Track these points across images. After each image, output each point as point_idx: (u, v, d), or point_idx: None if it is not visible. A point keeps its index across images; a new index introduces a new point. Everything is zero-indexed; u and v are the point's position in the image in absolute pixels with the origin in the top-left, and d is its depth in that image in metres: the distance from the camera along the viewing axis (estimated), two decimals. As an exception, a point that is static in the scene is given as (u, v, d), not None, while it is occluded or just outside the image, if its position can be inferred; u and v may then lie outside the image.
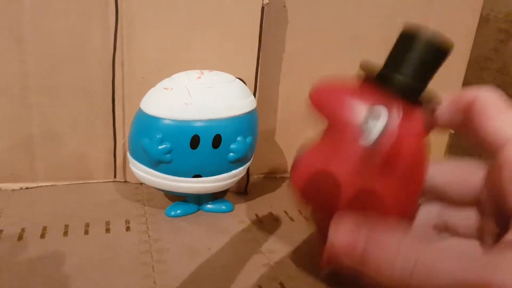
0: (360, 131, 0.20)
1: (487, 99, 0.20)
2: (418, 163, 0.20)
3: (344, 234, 0.19)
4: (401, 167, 0.20)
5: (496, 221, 0.21)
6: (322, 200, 0.22)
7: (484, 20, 0.43)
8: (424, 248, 0.17)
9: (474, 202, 0.22)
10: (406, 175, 0.20)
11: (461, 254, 0.17)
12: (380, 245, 0.18)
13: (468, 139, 0.22)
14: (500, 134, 0.19)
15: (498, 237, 0.18)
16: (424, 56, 0.20)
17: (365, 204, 0.20)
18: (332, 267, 0.23)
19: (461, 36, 0.38)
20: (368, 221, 0.19)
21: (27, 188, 0.32)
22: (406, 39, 0.20)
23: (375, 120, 0.20)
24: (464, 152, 0.42)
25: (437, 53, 0.20)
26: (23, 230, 0.27)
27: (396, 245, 0.17)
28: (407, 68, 0.20)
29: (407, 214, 0.21)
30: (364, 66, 0.21)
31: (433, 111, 0.21)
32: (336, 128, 0.21)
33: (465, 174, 0.22)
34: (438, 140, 0.41)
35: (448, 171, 0.23)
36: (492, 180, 0.20)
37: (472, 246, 0.22)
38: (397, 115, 0.20)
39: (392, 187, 0.20)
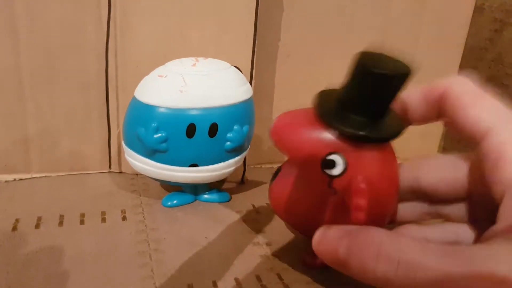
0: (318, 176, 0.20)
1: (459, 89, 0.19)
2: (382, 196, 0.20)
3: (326, 244, 0.19)
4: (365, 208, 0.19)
5: (486, 210, 0.21)
6: (294, 222, 0.23)
7: (478, 10, 0.43)
8: (406, 246, 0.17)
9: (464, 196, 0.22)
10: (370, 211, 0.20)
11: (444, 249, 0.16)
12: (360, 250, 0.18)
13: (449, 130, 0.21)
14: (479, 125, 0.18)
15: (490, 223, 0.18)
16: (376, 94, 0.19)
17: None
18: (317, 267, 0.23)
19: (456, 27, 0.38)
20: (349, 229, 0.19)
21: (20, 179, 0.32)
22: (357, 75, 0.19)
23: (330, 169, 0.20)
24: (460, 141, 0.42)
25: (391, 86, 0.19)
26: (17, 220, 0.27)
27: (376, 247, 0.17)
28: (361, 108, 0.19)
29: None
30: (318, 104, 0.20)
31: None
32: (298, 167, 0.21)
33: (451, 172, 0.22)
34: (432, 130, 0.41)
35: (434, 171, 0.22)
36: (477, 171, 0.20)
37: (464, 231, 0.22)
38: (353, 159, 0.19)
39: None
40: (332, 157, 0.19)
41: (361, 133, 0.19)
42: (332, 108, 0.20)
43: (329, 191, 0.20)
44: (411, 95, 0.21)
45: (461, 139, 0.20)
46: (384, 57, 0.19)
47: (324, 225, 0.21)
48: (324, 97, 0.21)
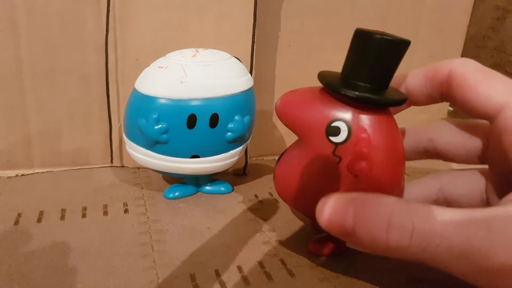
0: (322, 146, 0.20)
1: (464, 70, 0.19)
2: (387, 162, 0.20)
3: (330, 213, 0.18)
4: (368, 173, 0.20)
5: (502, 182, 0.20)
6: (299, 203, 0.23)
7: (480, -2, 0.43)
8: (420, 213, 0.16)
9: (477, 162, 0.22)
10: (375, 177, 0.20)
11: (462, 214, 0.16)
12: (369, 218, 0.17)
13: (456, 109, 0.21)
14: (491, 101, 0.18)
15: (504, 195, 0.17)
16: (378, 58, 0.19)
17: None
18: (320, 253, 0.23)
19: (458, 15, 0.38)
20: (355, 197, 0.18)
21: (23, 175, 0.32)
22: (358, 43, 0.20)
23: (335, 136, 0.20)
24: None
25: (391, 52, 0.19)
26: (19, 215, 0.27)
27: (387, 215, 0.17)
28: (364, 74, 0.20)
29: None
30: (322, 77, 0.21)
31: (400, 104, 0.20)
32: (303, 141, 0.21)
33: (467, 138, 0.22)
34: (436, 119, 0.40)
35: (451, 133, 0.22)
36: (495, 143, 0.20)
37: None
38: (357, 125, 0.20)
39: (363, 190, 0.20)
40: (336, 123, 0.20)
41: (366, 95, 0.19)
42: (337, 79, 0.21)
43: (334, 159, 0.20)
44: (413, 77, 0.21)
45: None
46: (381, 31, 0.20)
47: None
48: (327, 73, 0.21)
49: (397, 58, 0.20)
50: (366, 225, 0.17)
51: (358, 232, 0.17)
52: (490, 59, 0.44)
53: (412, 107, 0.23)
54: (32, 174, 0.32)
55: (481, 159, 0.21)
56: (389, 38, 0.19)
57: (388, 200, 0.17)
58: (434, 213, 0.16)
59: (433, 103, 0.21)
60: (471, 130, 0.22)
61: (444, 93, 0.20)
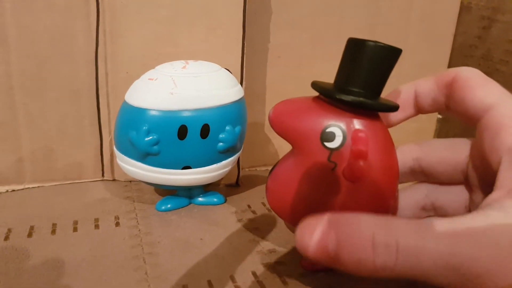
0: (317, 152, 0.20)
1: (467, 74, 0.21)
2: (383, 169, 0.20)
3: (311, 239, 0.17)
4: (364, 178, 0.20)
5: (483, 194, 0.21)
6: (293, 215, 0.22)
7: (466, 8, 0.44)
8: (401, 230, 0.16)
9: (462, 179, 0.22)
10: (371, 184, 0.20)
11: (442, 225, 0.16)
12: (352, 242, 0.16)
13: (453, 117, 0.22)
14: (481, 104, 0.19)
15: None
16: (371, 64, 0.20)
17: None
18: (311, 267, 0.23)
19: (444, 24, 0.39)
20: (335, 219, 0.17)
21: (13, 190, 0.32)
22: (352, 51, 0.20)
23: (330, 142, 0.20)
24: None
25: (384, 58, 0.20)
26: (9, 230, 0.26)
27: (370, 235, 0.16)
28: (357, 81, 0.20)
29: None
30: (316, 84, 0.21)
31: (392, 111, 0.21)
32: (297, 149, 0.21)
33: (451, 153, 0.22)
34: (426, 127, 0.41)
35: (434, 152, 0.23)
36: (477, 150, 0.21)
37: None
38: (352, 130, 0.20)
39: (360, 198, 0.20)
40: (331, 129, 0.20)
41: (361, 99, 0.19)
42: (330, 87, 0.21)
43: (329, 165, 0.20)
44: (424, 81, 0.22)
45: (462, 122, 0.21)
46: (373, 40, 0.20)
47: (321, 208, 0.20)
48: (319, 82, 0.21)
49: (390, 65, 0.20)
50: (349, 248, 0.16)
51: (342, 256, 0.17)
52: (478, 68, 0.45)
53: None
54: (23, 189, 0.32)
55: (465, 176, 0.22)
56: (382, 45, 0.19)
57: (367, 219, 0.17)
58: (416, 228, 0.16)
59: (438, 109, 0.22)
60: (455, 146, 0.22)
61: (447, 94, 0.21)
